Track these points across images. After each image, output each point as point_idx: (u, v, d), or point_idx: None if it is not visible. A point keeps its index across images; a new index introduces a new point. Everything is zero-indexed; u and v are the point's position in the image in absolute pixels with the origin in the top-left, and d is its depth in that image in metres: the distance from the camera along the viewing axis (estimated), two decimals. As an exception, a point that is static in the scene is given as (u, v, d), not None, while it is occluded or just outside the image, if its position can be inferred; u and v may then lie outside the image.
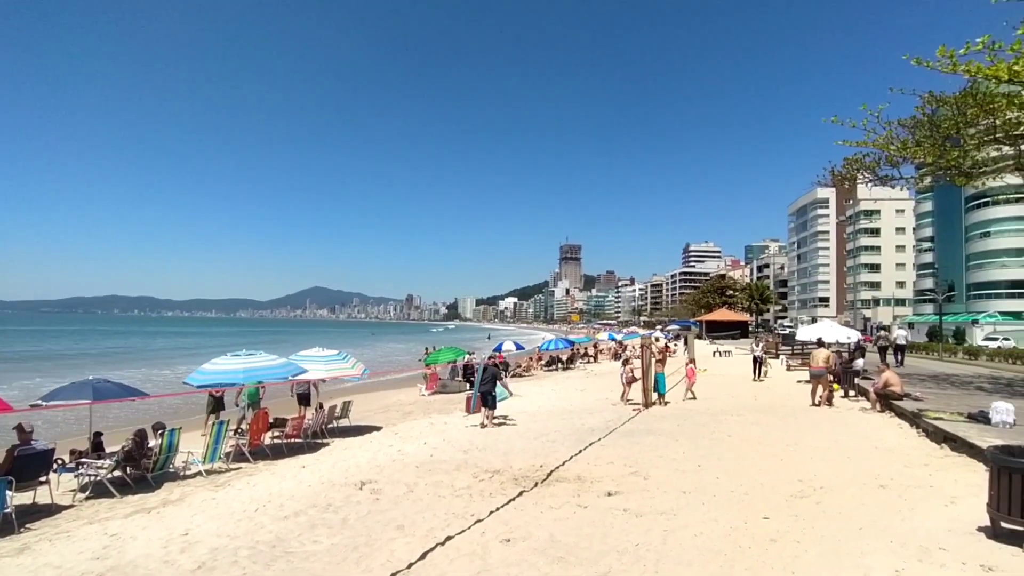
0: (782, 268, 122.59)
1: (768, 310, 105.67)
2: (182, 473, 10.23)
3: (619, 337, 50.07)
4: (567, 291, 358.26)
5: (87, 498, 8.96)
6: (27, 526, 7.56)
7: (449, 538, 6.05)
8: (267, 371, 11.41)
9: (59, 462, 9.35)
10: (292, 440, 12.47)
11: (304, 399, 15.00)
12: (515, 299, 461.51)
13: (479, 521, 6.58)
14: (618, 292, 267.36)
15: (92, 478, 9.23)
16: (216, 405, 13.88)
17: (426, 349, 30.80)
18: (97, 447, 10.13)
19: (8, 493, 7.43)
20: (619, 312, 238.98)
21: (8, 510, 7.42)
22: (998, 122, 16.84)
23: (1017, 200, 55.97)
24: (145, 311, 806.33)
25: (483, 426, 13.18)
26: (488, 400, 13.46)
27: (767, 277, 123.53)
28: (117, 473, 9.38)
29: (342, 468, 9.95)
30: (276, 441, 12.44)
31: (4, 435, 8.75)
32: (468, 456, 10.32)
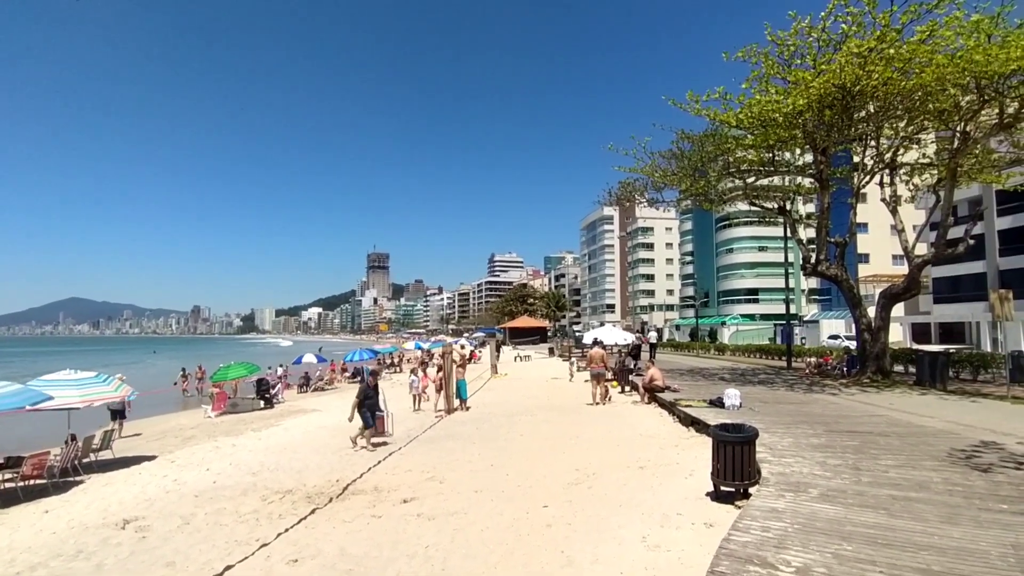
0: (576, 278, 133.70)
1: (564, 316, 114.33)
2: None
3: (426, 346, 50.35)
4: (375, 300, 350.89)
5: None
6: None
7: (228, 567, 5.63)
8: (-5, 401, 9.47)
9: None
10: (33, 482, 10.47)
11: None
12: (320, 309, 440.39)
13: (264, 545, 6.21)
14: (427, 301, 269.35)
15: None
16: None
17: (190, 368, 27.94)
18: None
19: None
20: (428, 321, 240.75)
21: None
22: (731, 159, 20.45)
23: (748, 223, 67.97)
24: None
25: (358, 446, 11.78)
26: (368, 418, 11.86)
27: (563, 286, 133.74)
28: None
29: (100, 507, 8.65)
30: (8, 485, 10.36)
31: None
32: (257, 478, 9.63)
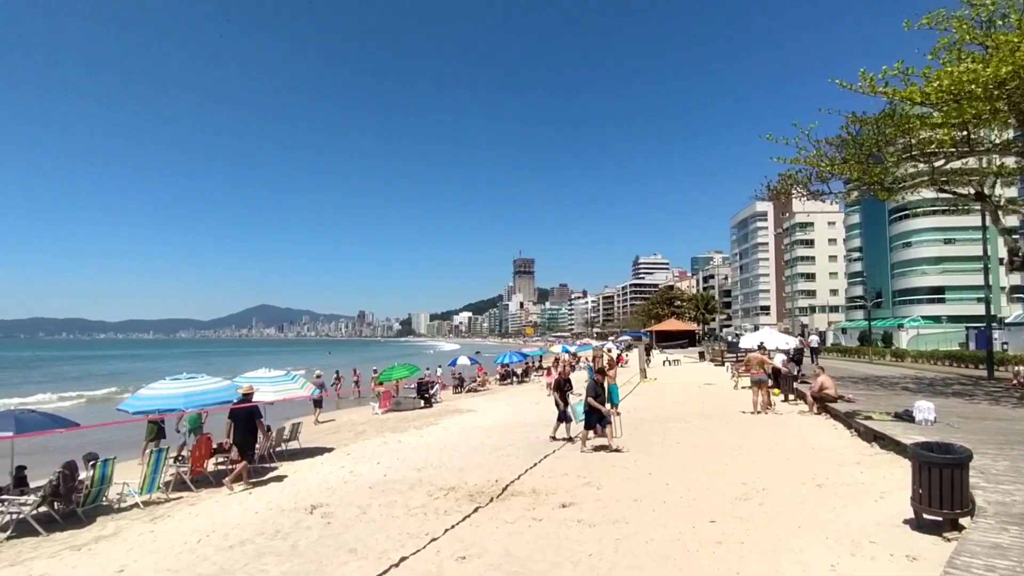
0: (726, 279, 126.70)
1: (714, 319, 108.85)
2: (117, 506, 9.68)
3: (572, 349, 50.54)
4: (521, 304, 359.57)
5: (8, 538, 8.36)
6: (-60, 573, 7.00)
7: (403, 559, 5.96)
8: (210, 395, 10.98)
9: (-22, 500, 8.72)
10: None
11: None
12: (469, 314, 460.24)
13: (434, 540, 6.50)
14: (571, 305, 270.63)
15: (14, 516, 8.64)
16: (156, 432, 13.27)
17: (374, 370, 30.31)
18: (20, 482, 9.49)
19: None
20: (572, 324, 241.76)
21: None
22: (913, 141, 18.06)
23: (933, 212, 59.80)
24: (75, 334, 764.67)
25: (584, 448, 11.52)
26: (589, 419, 11.40)
27: (712, 287, 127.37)
28: (43, 509, 8.80)
29: (291, 492, 9.65)
30: (220, 467, 11.97)
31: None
32: (423, 474, 10.18)
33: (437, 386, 25.86)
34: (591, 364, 16.79)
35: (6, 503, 8.75)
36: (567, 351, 47.78)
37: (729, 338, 62.54)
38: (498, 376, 34.33)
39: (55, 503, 8.91)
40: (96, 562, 6.84)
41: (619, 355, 38.20)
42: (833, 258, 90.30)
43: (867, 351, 41.07)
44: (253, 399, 11.42)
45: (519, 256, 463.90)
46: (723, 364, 34.43)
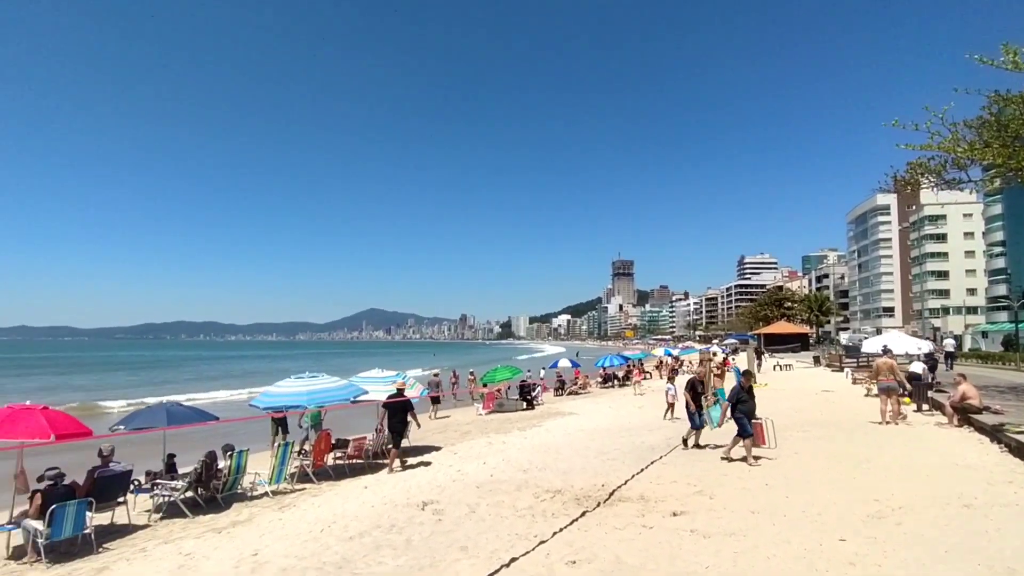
0: (842, 278, 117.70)
1: (829, 321, 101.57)
2: (250, 494, 10.53)
3: (675, 352, 49.03)
4: (620, 307, 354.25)
5: (161, 518, 9.33)
6: (105, 546, 7.88)
7: (514, 560, 6.00)
8: (329, 393, 11.68)
9: (136, 483, 9.79)
10: (354, 461, 12.68)
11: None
12: (568, 316, 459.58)
13: (543, 542, 6.50)
14: (672, 307, 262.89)
15: (166, 499, 9.62)
16: (280, 427, 14.29)
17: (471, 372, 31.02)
18: (171, 468, 10.56)
19: (88, 514, 7.80)
20: (674, 327, 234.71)
21: (88, 531, 7.78)
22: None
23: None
24: (210, 336, 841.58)
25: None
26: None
27: (826, 288, 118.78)
28: (189, 494, 9.74)
29: (403, 489, 10.04)
30: (339, 462, 12.69)
31: (88, 458, 9.23)
32: (528, 476, 10.25)
33: (539, 388, 25.97)
34: (708, 367, 16.09)
35: (160, 487, 9.77)
36: (669, 354, 46.41)
37: (847, 341, 57.73)
38: (599, 379, 33.95)
39: (199, 489, 9.84)
40: (234, 545, 7.44)
41: (725, 359, 36.54)
42: (970, 254, 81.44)
43: (1013, 357, 36.62)
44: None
45: (618, 258, 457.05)
46: (841, 370, 32.00)
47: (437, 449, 14.27)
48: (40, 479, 7.97)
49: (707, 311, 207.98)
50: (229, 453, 10.28)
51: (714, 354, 34.76)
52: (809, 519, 6.89)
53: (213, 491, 9.93)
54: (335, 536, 7.38)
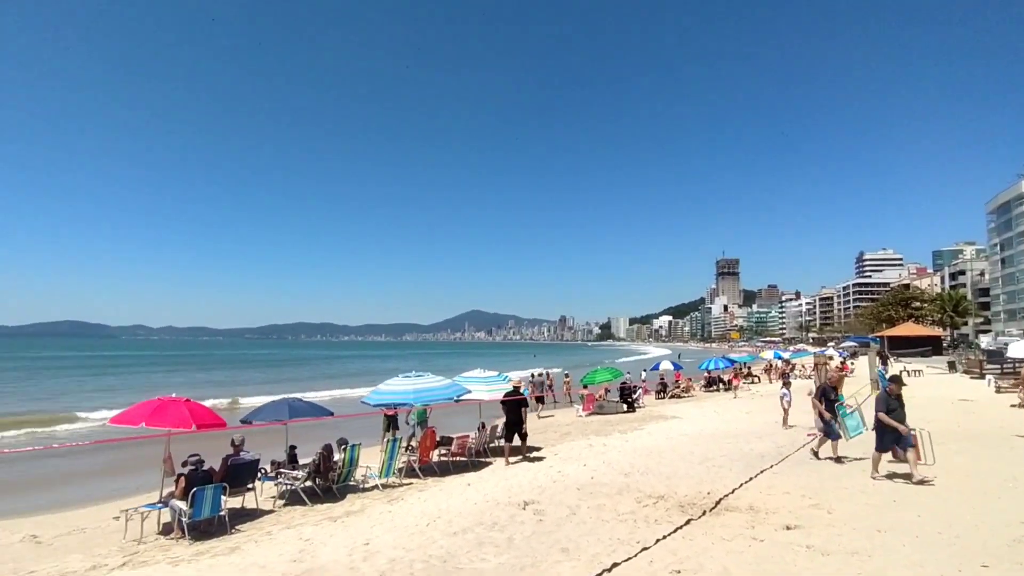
0: (981, 275, 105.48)
1: (966, 323, 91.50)
2: (362, 486, 11.13)
3: (786, 355, 46.23)
4: (725, 307, 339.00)
5: (284, 505, 10.09)
6: (237, 527, 8.67)
7: (615, 564, 5.92)
8: (435, 392, 12.10)
9: (263, 471, 10.64)
10: (457, 458, 13.05)
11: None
12: (670, 317, 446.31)
13: (645, 549, 6.36)
14: (782, 307, 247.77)
15: (288, 487, 10.38)
16: (390, 423, 14.99)
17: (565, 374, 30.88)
18: (292, 459, 11.38)
19: (223, 498, 8.60)
20: (784, 329, 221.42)
21: (223, 513, 8.59)
22: None
23: None
24: (326, 336, 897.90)
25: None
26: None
27: (962, 285, 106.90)
28: (308, 483, 10.46)
29: (505, 487, 10.19)
30: (443, 459, 13.10)
31: (222, 446, 10.14)
32: (630, 480, 10.07)
33: (640, 391, 25.44)
34: (800, 371, 15.07)
35: (283, 476, 10.56)
36: (779, 357, 43.86)
37: (989, 345, 51.22)
38: (703, 383, 32.73)
39: (316, 479, 10.53)
40: (348, 533, 7.89)
41: (842, 362, 33.96)
42: None
43: None
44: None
45: (722, 256, 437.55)
46: (982, 377, 28.77)
47: (537, 449, 14.35)
48: (184, 464, 8.87)
49: (821, 312, 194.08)
50: (343, 446, 10.92)
51: (830, 358, 32.46)
52: (946, 541, 6.25)
53: (329, 482, 10.60)
54: (440, 531, 7.62)
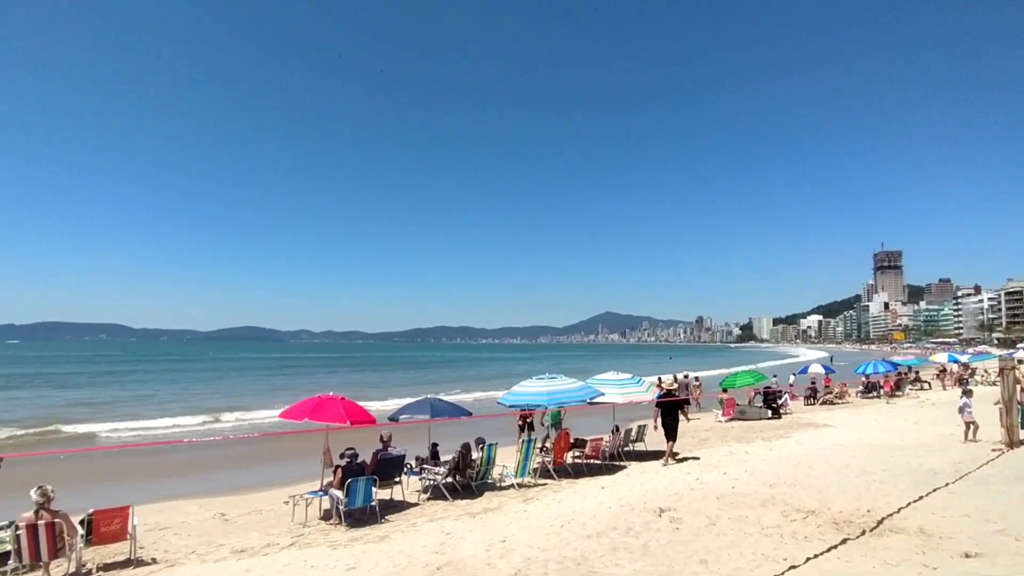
0: None
1: None
2: (498, 484, 11.51)
3: (963, 359, 40.72)
4: (885, 305, 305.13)
5: (428, 499, 10.71)
6: (386, 518, 9.37)
7: (758, 581, 5.61)
8: (568, 394, 12.22)
9: (408, 466, 11.37)
10: (591, 461, 13.05)
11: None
12: (819, 317, 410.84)
13: (794, 567, 5.96)
14: (957, 303, 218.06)
15: (431, 482, 11.02)
16: (525, 424, 15.34)
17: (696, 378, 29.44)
18: (434, 456, 12.05)
19: (374, 489, 9.33)
20: (960, 328, 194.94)
21: (374, 503, 9.31)
22: None
23: None
24: (465, 339, 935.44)
25: None
26: None
27: None
28: (449, 480, 11.01)
29: (640, 492, 10.02)
30: (577, 461, 13.16)
31: (373, 442, 10.99)
32: (775, 491, 9.46)
33: (786, 396, 23.76)
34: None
35: (426, 471, 11.22)
36: (955, 361, 38.74)
37: None
38: (860, 388, 29.79)
39: (456, 476, 11.06)
40: (485, 529, 8.21)
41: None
42: None
43: None
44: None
45: (880, 249, 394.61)
46: None
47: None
48: (341, 456, 9.74)
49: (1008, 308, 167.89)
50: (481, 445, 11.37)
51: (1020, 361, 27.97)
52: None
53: (468, 479, 11.09)
54: (574, 532, 7.68)
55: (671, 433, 13.16)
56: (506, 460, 12.23)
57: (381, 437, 10.73)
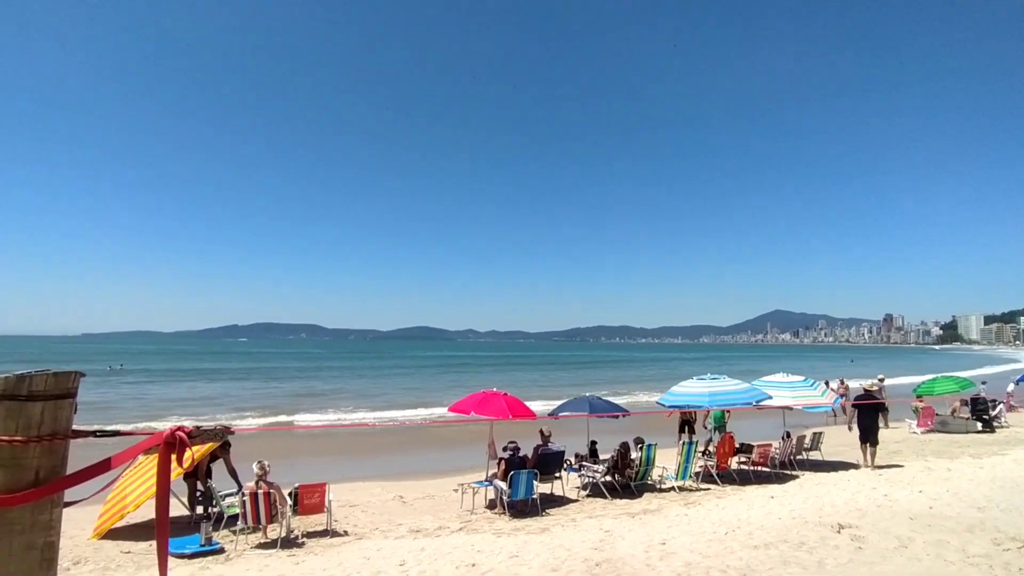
0: None
1: None
2: (658, 486, 11.32)
3: None
4: None
5: (587, 496, 10.85)
6: (547, 511, 9.68)
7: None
8: (732, 396, 11.68)
9: (567, 463, 11.61)
10: (759, 468, 12.32)
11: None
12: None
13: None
14: None
15: (590, 479, 11.15)
16: (685, 425, 14.89)
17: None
18: (593, 453, 12.16)
19: (535, 483, 9.68)
20: None
21: (535, 496, 9.67)
22: None
23: None
24: (624, 338, 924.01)
25: None
26: None
27: None
28: (608, 478, 11.06)
29: (815, 505, 9.29)
30: (742, 467, 12.50)
31: (533, 436, 11.40)
32: (985, 515, 8.24)
33: (1001, 406, 20.36)
34: None
35: (585, 468, 11.38)
36: None
37: None
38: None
39: (615, 475, 11.08)
40: (645, 531, 8.16)
41: None
42: None
43: None
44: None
45: None
46: None
47: (854, 467, 12.68)
48: (504, 448, 10.26)
49: None
50: (640, 445, 11.27)
51: None
52: None
53: (627, 478, 11.05)
54: (739, 542, 7.35)
55: (869, 436, 12.71)
56: (665, 462, 11.97)
57: (541, 432, 11.09)
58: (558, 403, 13.78)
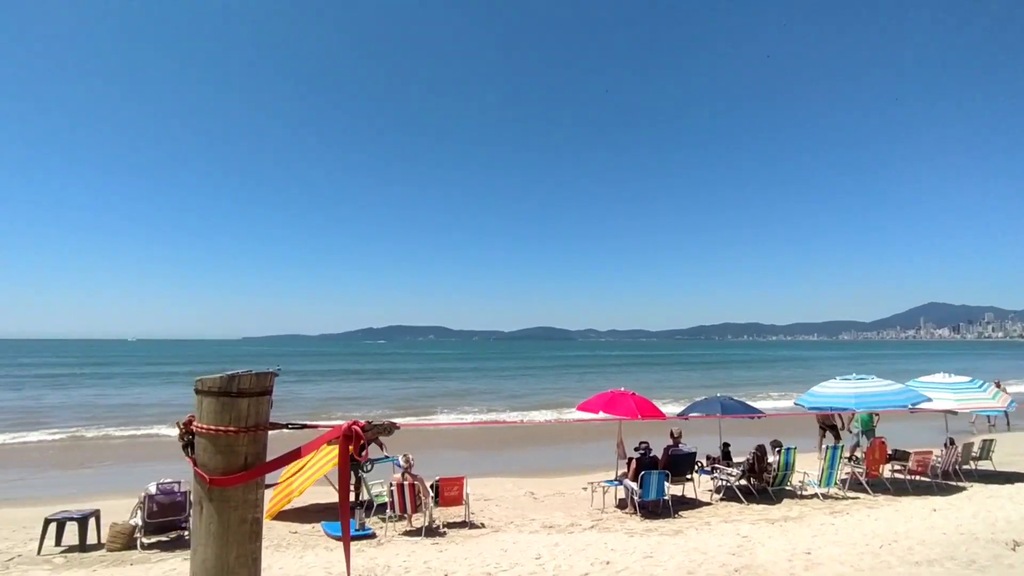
0: None
1: None
2: (799, 492, 10.72)
3: None
4: None
5: (720, 499, 10.52)
6: (679, 513, 9.52)
7: None
8: (881, 397, 10.78)
9: (699, 464, 11.32)
10: (917, 477, 11.27)
11: None
12: None
13: None
14: None
15: (723, 483, 10.79)
16: (827, 429, 13.94)
17: None
18: (726, 456, 11.76)
19: (666, 484, 9.56)
20: None
21: (667, 497, 9.55)
22: None
23: None
24: (753, 336, 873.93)
25: None
26: None
27: None
28: (743, 482, 10.65)
29: (986, 520, 8.37)
30: (896, 475, 11.51)
31: (663, 437, 11.25)
32: None
33: None
34: None
35: (718, 471, 11.05)
36: None
37: None
38: None
39: (751, 478, 10.65)
40: (786, 538, 7.80)
41: None
42: None
43: None
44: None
45: None
46: None
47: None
48: (635, 449, 10.24)
49: None
50: (777, 449, 10.75)
51: None
52: None
53: (764, 483, 10.58)
54: (897, 557, 6.83)
55: None
56: (806, 467, 11.31)
57: (671, 433, 10.92)
58: (687, 403, 13.45)
